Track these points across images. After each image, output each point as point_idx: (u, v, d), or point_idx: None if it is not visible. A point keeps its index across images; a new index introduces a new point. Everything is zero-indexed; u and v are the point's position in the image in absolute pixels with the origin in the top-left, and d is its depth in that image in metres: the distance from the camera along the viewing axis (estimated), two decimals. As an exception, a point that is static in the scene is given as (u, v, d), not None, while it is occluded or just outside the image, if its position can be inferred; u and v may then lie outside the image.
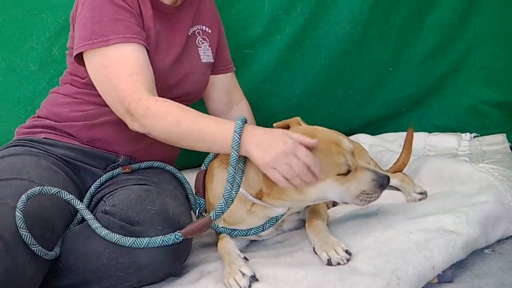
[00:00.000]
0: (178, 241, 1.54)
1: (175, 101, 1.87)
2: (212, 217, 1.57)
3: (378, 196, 1.61)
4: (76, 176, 1.81)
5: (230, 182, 1.56)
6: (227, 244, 1.66)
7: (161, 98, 1.65)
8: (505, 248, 1.70)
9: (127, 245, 1.51)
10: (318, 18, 2.51)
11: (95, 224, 1.55)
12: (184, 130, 1.58)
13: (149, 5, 1.81)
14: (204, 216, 1.66)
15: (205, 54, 2.01)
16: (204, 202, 1.79)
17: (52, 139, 1.82)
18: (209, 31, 2.04)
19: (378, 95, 2.73)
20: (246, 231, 1.72)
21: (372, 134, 2.70)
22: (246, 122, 1.56)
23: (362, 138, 2.59)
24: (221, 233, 1.73)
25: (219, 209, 1.56)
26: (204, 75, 2.03)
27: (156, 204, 1.58)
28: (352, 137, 2.51)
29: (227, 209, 1.57)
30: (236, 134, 1.51)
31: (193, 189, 1.87)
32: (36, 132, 1.85)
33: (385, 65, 2.68)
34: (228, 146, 1.53)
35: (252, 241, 1.84)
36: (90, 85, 1.77)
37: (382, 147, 2.54)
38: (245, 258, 1.61)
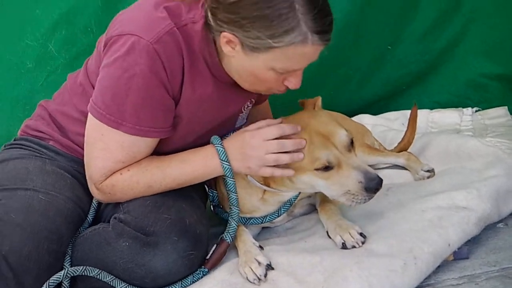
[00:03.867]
0: (206, 273, 1.57)
1: None
2: (228, 241, 1.60)
3: (365, 200, 1.48)
4: (83, 178, 1.71)
5: (235, 205, 1.60)
6: (242, 233, 1.65)
7: (124, 169, 1.56)
8: (518, 221, 1.71)
9: None
10: (316, 0, 2.48)
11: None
12: (160, 188, 1.57)
13: (200, 87, 1.57)
14: (218, 241, 1.64)
15: (242, 118, 1.80)
16: (216, 194, 1.78)
17: (59, 149, 1.73)
18: None
19: (378, 74, 2.71)
20: (262, 219, 1.72)
21: (374, 114, 2.69)
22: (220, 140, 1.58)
23: (365, 119, 2.58)
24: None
25: (232, 230, 1.61)
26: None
27: (171, 212, 1.53)
28: (355, 118, 2.51)
29: (236, 226, 1.62)
30: (225, 163, 1.54)
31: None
32: (43, 137, 1.75)
33: (384, 43, 2.66)
34: (214, 172, 1.57)
35: (263, 228, 1.83)
36: None
37: (385, 126, 2.53)
38: (260, 246, 1.61)
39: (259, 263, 1.51)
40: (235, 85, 1.62)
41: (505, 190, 1.72)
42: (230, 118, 1.74)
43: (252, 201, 1.69)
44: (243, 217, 1.71)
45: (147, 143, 1.56)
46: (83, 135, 1.61)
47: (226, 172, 1.54)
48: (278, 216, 1.72)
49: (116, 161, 1.54)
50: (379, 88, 2.73)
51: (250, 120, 2.00)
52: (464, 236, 1.56)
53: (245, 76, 1.56)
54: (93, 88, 1.59)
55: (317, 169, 1.50)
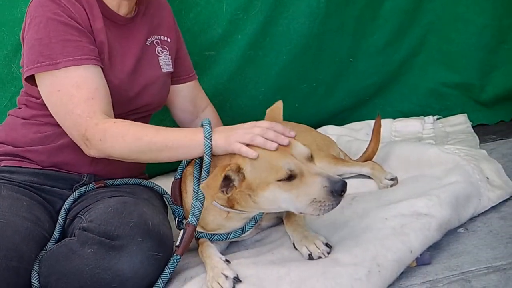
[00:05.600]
0: (179, 260, 1.60)
1: (135, 113, 1.85)
2: (194, 224, 1.61)
3: (333, 205, 1.45)
4: (42, 198, 1.77)
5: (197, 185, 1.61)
6: (208, 248, 1.66)
7: (119, 120, 1.64)
8: (477, 225, 1.76)
9: None
10: (277, 15, 2.52)
11: None
12: (147, 143, 1.59)
13: (100, 17, 1.76)
14: (184, 225, 1.66)
15: (165, 63, 1.98)
16: (182, 211, 1.80)
17: (13, 166, 1.79)
18: (168, 40, 2.00)
19: (341, 86, 2.76)
20: (226, 235, 1.73)
21: (339, 125, 2.73)
22: (210, 123, 1.60)
23: (330, 130, 2.63)
24: (200, 238, 1.73)
25: (197, 212, 1.61)
26: (164, 85, 1.99)
27: (134, 216, 1.57)
28: (320, 129, 2.55)
29: (202, 207, 1.62)
30: (207, 140, 1.55)
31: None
32: None
33: (345, 56, 2.71)
34: (197, 150, 1.57)
35: (232, 242, 1.84)
36: (46, 106, 1.72)
37: (350, 136, 2.58)
38: (226, 260, 1.62)
39: (226, 276, 1.52)
40: (119, 22, 1.83)
41: (464, 195, 1.78)
42: (143, 57, 1.88)
43: (216, 220, 1.70)
44: (208, 233, 1.72)
45: (95, 73, 1.67)
46: (35, 132, 1.79)
47: (206, 149, 1.56)
48: (243, 233, 1.74)
49: (86, 99, 1.62)
50: (343, 100, 2.78)
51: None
52: (426, 242, 1.60)
53: None
54: (32, 96, 1.80)
55: (279, 180, 1.49)
